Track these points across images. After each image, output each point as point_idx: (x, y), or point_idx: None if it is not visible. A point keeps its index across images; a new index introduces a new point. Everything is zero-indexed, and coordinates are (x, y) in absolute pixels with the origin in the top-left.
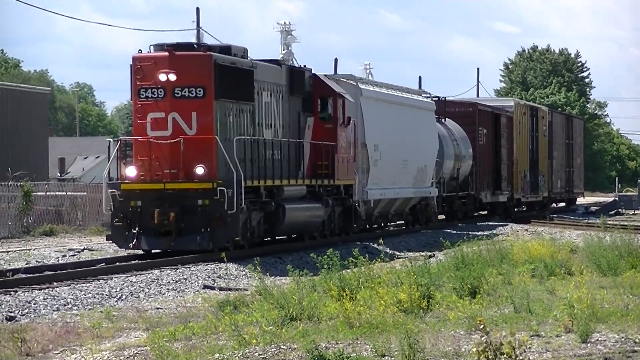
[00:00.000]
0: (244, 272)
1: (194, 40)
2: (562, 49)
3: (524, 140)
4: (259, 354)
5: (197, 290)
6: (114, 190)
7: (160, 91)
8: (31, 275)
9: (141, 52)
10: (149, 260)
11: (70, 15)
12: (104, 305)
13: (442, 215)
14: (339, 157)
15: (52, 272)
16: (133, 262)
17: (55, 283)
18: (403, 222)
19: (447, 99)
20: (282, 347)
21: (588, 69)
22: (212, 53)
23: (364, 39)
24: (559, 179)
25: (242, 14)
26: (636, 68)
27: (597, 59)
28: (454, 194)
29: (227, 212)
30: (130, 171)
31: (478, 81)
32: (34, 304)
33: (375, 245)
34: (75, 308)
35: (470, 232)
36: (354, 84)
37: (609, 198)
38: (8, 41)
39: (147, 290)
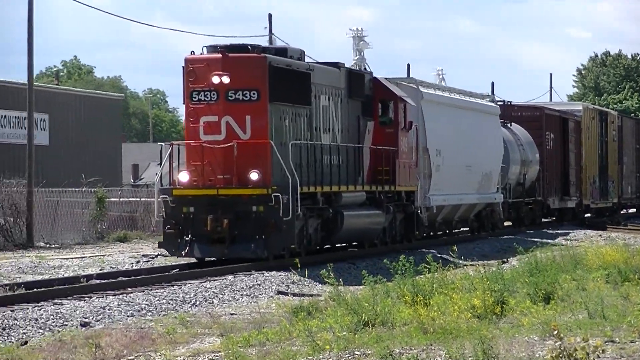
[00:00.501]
0: (318, 279)
1: (265, 43)
2: (635, 54)
3: (592, 145)
4: None
5: (271, 296)
6: (165, 196)
7: (213, 94)
8: (105, 281)
9: (194, 53)
10: (223, 267)
11: (143, 21)
12: (177, 311)
13: (509, 222)
14: (400, 162)
15: (126, 278)
16: (207, 268)
17: (129, 289)
18: (468, 228)
19: (512, 103)
20: (355, 352)
21: None
22: (266, 55)
23: (436, 44)
24: (629, 184)
25: (315, 20)
26: None
27: None
28: (521, 199)
29: (282, 219)
30: (183, 176)
31: (551, 86)
32: (108, 309)
33: (433, 251)
34: (149, 314)
35: (542, 239)
36: (415, 87)
37: None
38: (81, 48)
39: (221, 295)
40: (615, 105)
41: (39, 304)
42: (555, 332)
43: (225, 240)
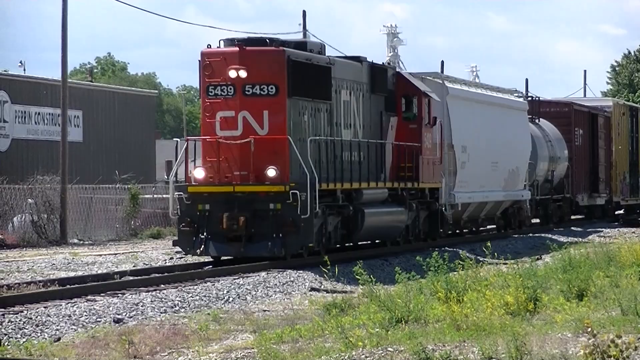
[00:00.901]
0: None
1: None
2: None
3: (623, 141)
4: (366, 356)
5: (304, 293)
6: (180, 193)
7: (230, 88)
8: (138, 277)
9: (210, 47)
10: (256, 263)
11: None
12: (211, 308)
13: (536, 219)
14: (423, 159)
15: (160, 275)
16: (240, 265)
17: (162, 285)
18: (494, 226)
19: (540, 98)
20: (388, 349)
21: None
22: (285, 48)
23: (470, 41)
24: None
25: (348, 17)
26: None
27: None
28: (549, 196)
29: (301, 217)
30: (198, 173)
31: (585, 83)
32: (142, 306)
33: (459, 250)
34: (182, 310)
35: (574, 237)
36: (440, 82)
37: None
38: (115, 44)
39: (254, 292)
40: None
41: (72, 301)
42: (589, 328)
43: (242, 239)
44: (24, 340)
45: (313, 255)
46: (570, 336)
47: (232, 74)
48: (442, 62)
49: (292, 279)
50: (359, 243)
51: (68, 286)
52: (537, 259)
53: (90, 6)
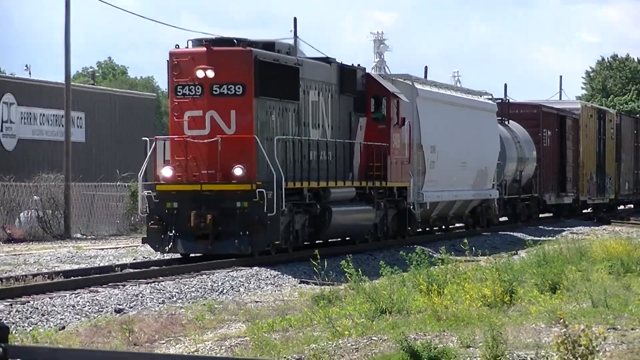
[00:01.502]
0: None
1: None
2: None
3: (590, 143)
4: (352, 345)
5: (294, 285)
6: (149, 191)
7: (198, 88)
8: (138, 270)
9: (178, 47)
10: (248, 258)
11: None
12: (206, 299)
13: (505, 217)
14: (392, 158)
15: (158, 267)
16: (234, 259)
17: (160, 277)
18: (463, 224)
19: (510, 100)
20: (373, 338)
21: None
22: (252, 49)
23: (453, 47)
24: (627, 181)
25: (338, 23)
26: None
27: None
28: (517, 196)
29: (267, 215)
30: (166, 171)
31: (560, 88)
32: (141, 297)
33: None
34: (179, 301)
35: (540, 236)
36: (410, 83)
37: None
38: (115, 49)
39: (247, 284)
40: (621, 107)
41: (76, 292)
42: (561, 320)
43: (209, 237)
44: (31, 328)
45: (280, 253)
46: (544, 327)
47: (200, 73)
48: (426, 68)
49: (282, 272)
50: (329, 241)
51: (72, 278)
52: (514, 254)
53: (91, 13)
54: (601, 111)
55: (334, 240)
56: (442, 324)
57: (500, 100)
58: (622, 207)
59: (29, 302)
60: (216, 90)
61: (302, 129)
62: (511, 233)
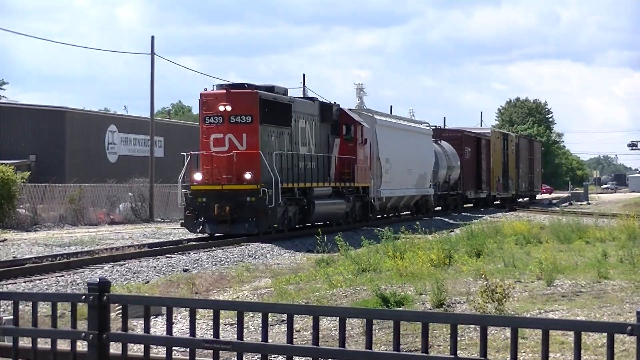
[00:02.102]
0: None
1: (301, 93)
2: (535, 99)
3: (498, 156)
4: (342, 293)
5: (303, 253)
6: (186, 190)
7: (220, 118)
8: (199, 242)
9: (206, 90)
10: (271, 235)
11: (222, 78)
12: (244, 262)
13: (439, 207)
14: (358, 166)
15: (213, 241)
16: (264, 235)
17: (214, 248)
18: (409, 212)
19: (442, 127)
20: (357, 288)
21: (552, 112)
22: (257, 91)
23: (408, 93)
24: (524, 182)
25: (332, 77)
26: (582, 112)
27: (557, 105)
28: (447, 192)
29: (268, 206)
30: (198, 176)
31: (481, 120)
32: (200, 261)
33: (381, 229)
34: (226, 264)
35: (461, 219)
36: (371, 115)
37: (564, 194)
38: (184, 94)
39: (272, 253)
40: (522, 132)
41: (156, 257)
42: (483, 275)
43: (228, 222)
44: (126, 282)
45: (279, 232)
46: (472, 280)
47: (222, 108)
48: (391, 107)
49: (295, 244)
50: (315, 224)
51: (154, 248)
52: (450, 231)
53: (167, 70)
54: (505, 134)
55: (320, 223)
56: (403, 278)
57: (435, 127)
58: (520, 199)
59: (124, 264)
60: (232, 120)
61: (293, 146)
62: (442, 218)
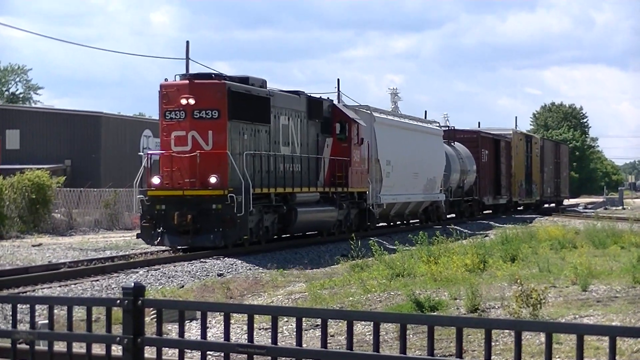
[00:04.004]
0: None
1: (335, 97)
2: (570, 104)
3: (520, 159)
4: (377, 298)
5: (337, 257)
6: (142, 195)
7: (182, 113)
8: (235, 249)
9: (167, 80)
10: (309, 239)
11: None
12: (279, 267)
13: (453, 215)
14: (352, 169)
15: (249, 247)
16: (298, 240)
17: (250, 255)
18: (418, 220)
19: (455, 128)
20: (391, 293)
21: (587, 117)
22: (225, 81)
23: (443, 98)
24: (549, 187)
25: (367, 82)
26: (617, 117)
27: (593, 110)
28: (460, 198)
29: (237, 214)
30: (155, 180)
31: (516, 125)
32: (235, 265)
33: (376, 239)
34: (260, 268)
35: (477, 228)
36: (369, 112)
37: (600, 199)
38: None
39: (307, 258)
40: (558, 137)
41: (191, 262)
42: (518, 280)
43: (190, 232)
44: (160, 287)
45: (255, 244)
46: (506, 285)
47: (184, 101)
48: (425, 112)
49: (329, 249)
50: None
51: (188, 253)
52: (485, 236)
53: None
54: (528, 136)
55: (307, 233)
56: (437, 283)
57: (447, 128)
58: (546, 205)
59: (159, 269)
60: (196, 115)
61: (273, 146)
62: (456, 227)
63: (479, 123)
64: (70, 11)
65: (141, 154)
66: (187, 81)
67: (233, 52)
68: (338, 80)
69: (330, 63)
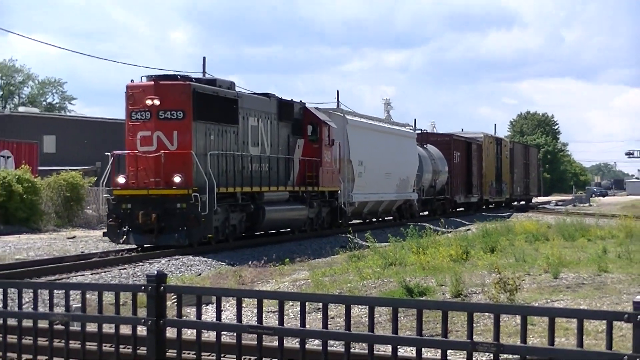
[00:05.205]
0: (361, 240)
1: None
2: (543, 112)
3: (490, 160)
4: (372, 284)
5: (337, 249)
6: (108, 195)
7: (147, 114)
8: (244, 241)
9: (133, 81)
10: (214, 245)
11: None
12: (286, 257)
13: (426, 212)
14: (323, 169)
15: (259, 239)
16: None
17: (258, 247)
18: (391, 217)
19: (428, 131)
20: (384, 280)
21: (558, 124)
22: (191, 83)
23: (430, 107)
24: (519, 186)
25: (363, 93)
26: (584, 124)
27: (563, 118)
28: (432, 197)
29: (201, 213)
30: (120, 179)
31: (495, 131)
32: (246, 256)
33: (345, 235)
34: (268, 259)
35: (447, 224)
36: (342, 115)
37: (569, 197)
38: None
39: (310, 249)
40: (532, 142)
41: (208, 253)
42: (497, 269)
43: (154, 231)
44: (180, 275)
45: (222, 242)
46: (486, 273)
47: (149, 102)
48: (415, 120)
49: (330, 241)
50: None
51: (232, 242)
52: (467, 230)
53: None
54: (498, 139)
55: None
56: (426, 271)
57: (420, 131)
58: (515, 203)
59: (179, 259)
60: (162, 115)
61: (241, 147)
62: (427, 224)
63: (462, 129)
64: (98, 28)
65: (108, 153)
66: (152, 82)
67: (243, 66)
68: (337, 91)
69: (330, 75)
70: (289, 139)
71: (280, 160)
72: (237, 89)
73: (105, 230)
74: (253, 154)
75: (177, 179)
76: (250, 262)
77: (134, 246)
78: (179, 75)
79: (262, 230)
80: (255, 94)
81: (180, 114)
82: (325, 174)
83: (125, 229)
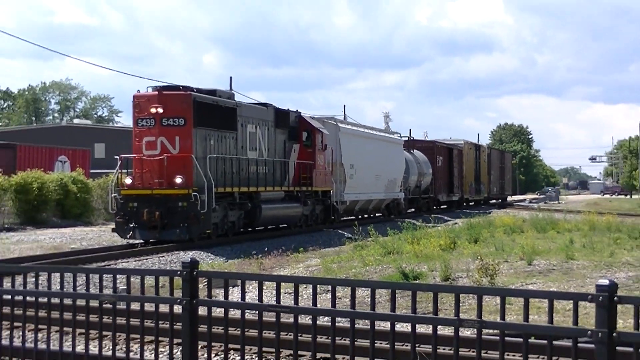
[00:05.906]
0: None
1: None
2: (519, 124)
3: (470, 164)
4: (373, 270)
5: (343, 240)
6: (116, 194)
7: (152, 121)
8: (263, 233)
9: (139, 92)
10: (215, 239)
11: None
12: (302, 247)
13: (412, 210)
14: (317, 171)
15: (275, 233)
16: (315, 225)
17: (277, 237)
18: (380, 214)
19: (415, 138)
20: (384, 266)
21: (531, 133)
22: (191, 92)
23: (423, 120)
24: (495, 186)
25: (365, 107)
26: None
27: (536, 128)
28: (417, 196)
29: (200, 211)
30: (127, 180)
31: (478, 139)
32: (266, 247)
33: (340, 231)
34: (283, 248)
35: (429, 219)
36: (334, 123)
37: (541, 196)
38: None
39: (321, 241)
40: (510, 149)
41: (233, 244)
42: (479, 257)
43: (158, 227)
44: (210, 261)
45: (222, 237)
46: (471, 260)
47: (153, 110)
48: (410, 130)
49: (338, 234)
50: (265, 227)
51: (231, 237)
52: (455, 223)
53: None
54: (477, 145)
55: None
56: (419, 259)
57: (407, 138)
58: (493, 201)
59: (210, 248)
60: (165, 122)
61: (239, 151)
62: (412, 220)
63: (450, 137)
64: (141, 54)
65: (117, 157)
66: (156, 92)
67: (264, 85)
68: (344, 106)
69: (337, 93)
70: (285, 144)
71: (277, 163)
72: (242, 99)
73: (114, 227)
74: (251, 158)
75: (178, 179)
76: (265, 250)
77: (140, 240)
78: (181, 86)
79: (259, 226)
80: (254, 103)
81: (181, 121)
82: (318, 176)
83: (131, 225)
